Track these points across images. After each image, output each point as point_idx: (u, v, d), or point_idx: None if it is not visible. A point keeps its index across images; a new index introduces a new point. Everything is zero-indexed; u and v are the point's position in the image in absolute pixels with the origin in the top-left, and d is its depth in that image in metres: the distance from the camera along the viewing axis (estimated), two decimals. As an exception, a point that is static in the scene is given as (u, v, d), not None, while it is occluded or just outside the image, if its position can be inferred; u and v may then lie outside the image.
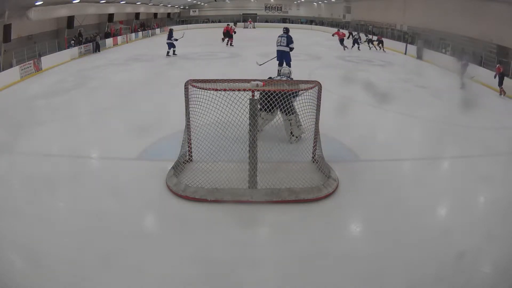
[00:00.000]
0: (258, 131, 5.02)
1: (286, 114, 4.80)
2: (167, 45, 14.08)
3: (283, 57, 9.06)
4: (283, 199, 3.75)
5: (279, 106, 4.30)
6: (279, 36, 9.19)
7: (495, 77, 9.68)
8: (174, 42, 13.90)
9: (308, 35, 23.26)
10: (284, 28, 9.55)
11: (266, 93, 4.21)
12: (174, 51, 14.09)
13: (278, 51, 9.09)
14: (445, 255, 3.01)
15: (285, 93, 4.18)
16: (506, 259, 3.03)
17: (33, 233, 3.24)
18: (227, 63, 12.63)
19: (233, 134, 4.00)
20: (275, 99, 4.15)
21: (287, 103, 4.28)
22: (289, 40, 8.98)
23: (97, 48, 16.15)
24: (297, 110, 4.57)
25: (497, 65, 10.12)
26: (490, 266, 2.98)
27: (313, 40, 21.25)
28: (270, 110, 4.48)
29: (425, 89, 9.23)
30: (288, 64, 8.90)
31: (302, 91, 4.22)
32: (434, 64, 12.46)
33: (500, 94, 9.50)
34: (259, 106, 4.34)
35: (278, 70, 5.64)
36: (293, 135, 5.09)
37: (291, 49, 9.00)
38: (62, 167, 4.65)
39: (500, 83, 9.54)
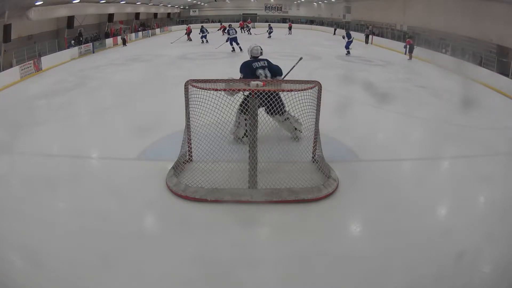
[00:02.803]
0: (242, 137, 4.87)
1: (281, 114, 4.55)
2: (230, 41, 15.69)
3: (235, 40, 15.43)
4: (283, 199, 3.75)
5: (271, 108, 4.07)
6: (230, 29, 15.68)
7: (405, 47, 14.68)
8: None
9: (308, 35, 23.25)
10: (230, 24, 18.33)
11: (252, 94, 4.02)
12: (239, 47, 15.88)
13: (231, 38, 15.40)
14: (445, 255, 3.01)
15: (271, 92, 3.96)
16: (506, 259, 3.02)
17: (33, 233, 3.23)
18: (227, 63, 12.63)
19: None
20: (264, 98, 3.92)
21: (277, 101, 4.08)
22: (235, 31, 15.81)
23: (123, 43, 18.25)
24: (291, 108, 4.26)
25: (407, 39, 15.21)
26: (490, 266, 2.98)
27: (313, 40, 21.29)
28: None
29: (424, 89, 9.23)
30: (237, 43, 15.38)
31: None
32: (434, 64, 12.46)
33: (409, 58, 14.39)
34: (240, 109, 4.23)
35: (248, 49, 5.23)
36: (296, 129, 5.00)
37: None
38: (62, 167, 4.64)
39: (410, 51, 14.36)
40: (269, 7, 35.40)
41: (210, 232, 3.34)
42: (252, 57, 5.11)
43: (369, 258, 3.01)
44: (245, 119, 4.59)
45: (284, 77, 5.13)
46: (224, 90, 3.98)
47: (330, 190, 3.91)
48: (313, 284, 2.74)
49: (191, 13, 34.81)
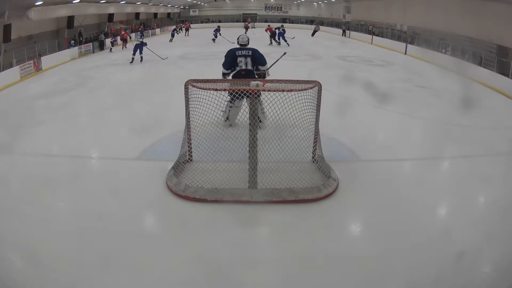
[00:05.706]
0: (230, 124, 5.23)
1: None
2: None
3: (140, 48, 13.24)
4: (283, 199, 3.75)
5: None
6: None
7: (278, 35, 17.28)
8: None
9: (308, 35, 23.25)
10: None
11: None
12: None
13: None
14: (445, 255, 3.01)
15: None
16: (506, 259, 3.02)
17: (33, 233, 3.23)
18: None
19: (233, 134, 3.99)
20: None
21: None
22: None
23: (100, 46, 17.04)
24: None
25: (268, 26, 18.57)
26: (490, 266, 2.98)
27: (313, 40, 21.28)
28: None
29: (425, 89, 9.22)
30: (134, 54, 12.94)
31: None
32: (434, 64, 12.45)
33: (270, 43, 17.31)
34: (229, 97, 4.57)
35: (237, 38, 5.76)
36: (260, 121, 5.14)
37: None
38: (62, 167, 4.64)
39: (272, 36, 17.51)
40: (269, 7, 35.40)
41: (210, 232, 3.34)
42: (240, 45, 5.56)
43: (369, 258, 3.01)
44: (230, 107, 5.11)
45: (268, 68, 5.56)
46: (224, 90, 3.98)
47: (330, 190, 3.91)
48: (313, 284, 2.74)
49: (191, 13, 34.81)
